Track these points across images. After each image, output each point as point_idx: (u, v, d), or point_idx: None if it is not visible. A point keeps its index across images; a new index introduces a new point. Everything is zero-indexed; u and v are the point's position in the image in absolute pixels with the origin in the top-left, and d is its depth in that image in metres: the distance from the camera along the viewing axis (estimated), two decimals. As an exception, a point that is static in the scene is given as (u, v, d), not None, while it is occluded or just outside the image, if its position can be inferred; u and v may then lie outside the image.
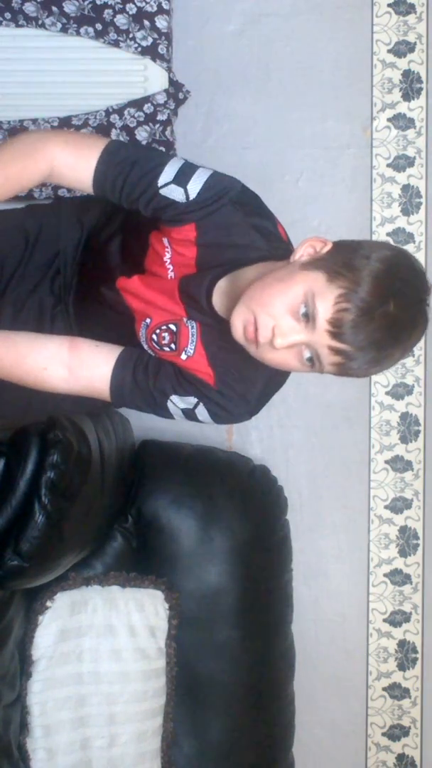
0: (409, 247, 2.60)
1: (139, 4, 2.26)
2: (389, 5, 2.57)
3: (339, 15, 2.55)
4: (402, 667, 2.65)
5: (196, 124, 2.54)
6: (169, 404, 1.55)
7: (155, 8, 2.26)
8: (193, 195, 1.47)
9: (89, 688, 2.08)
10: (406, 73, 2.58)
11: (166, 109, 2.33)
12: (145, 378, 1.56)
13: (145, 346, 1.57)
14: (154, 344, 1.55)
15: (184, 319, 1.53)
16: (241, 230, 1.50)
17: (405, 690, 2.65)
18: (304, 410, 2.62)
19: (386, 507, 2.63)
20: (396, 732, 2.66)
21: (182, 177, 1.48)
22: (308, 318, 1.30)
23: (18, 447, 1.93)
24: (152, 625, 2.16)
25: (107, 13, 2.25)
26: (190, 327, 1.52)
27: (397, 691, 2.65)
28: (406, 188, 2.60)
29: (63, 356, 1.58)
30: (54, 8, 2.24)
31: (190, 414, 1.55)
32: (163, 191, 1.47)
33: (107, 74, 2.32)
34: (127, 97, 2.32)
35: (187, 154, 2.45)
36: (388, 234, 2.60)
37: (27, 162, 1.49)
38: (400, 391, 2.62)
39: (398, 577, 2.64)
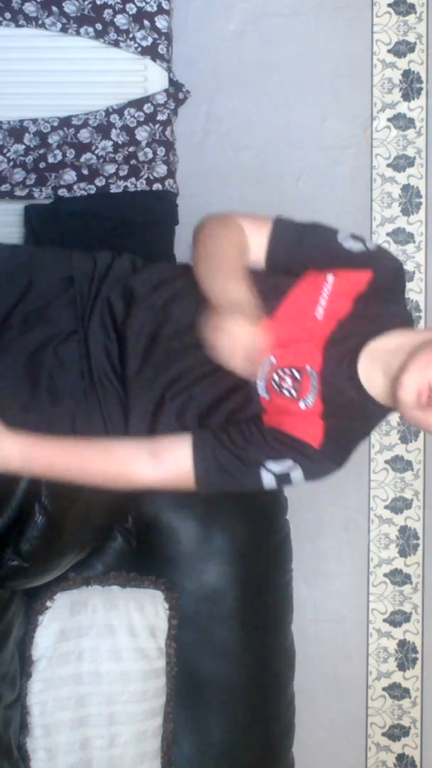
0: (409, 247, 2.60)
1: (139, 4, 2.26)
2: (389, 5, 2.57)
3: (339, 15, 2.55)
4: (402, 667, 2.65)
5: (196, 124, 2.54)
6: (262, 472, 1.53)
7: (155, 8, 2.26)
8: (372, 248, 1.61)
9: (89, 688, 2.08)
10: (406, 73, 2.58)
11: (166, 109, 2.33)
12: (232, 449, 1.53)
13: (261, 385, 1.53)
14: (273, 384, 1.53)
15: (308, 368, 1.53)
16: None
17: (405, 690, 2.65)
18: (304, 410, 2.62)
19: (386, 507, 2.64)
20: (396, 732, 2.66)
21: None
22: None
23: (18, 447, 1.93)
24: (152, 625, 2.16)
25: (107, 13, 2.25)
26: (312, 377, 1.52)
27: (397, 691, 2.65)
28: (406, 188, 2.60)
29: (144, 445, 1.55)
30: (54, 8, 2.24)
31: (283, 478, 1.54)
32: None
33: (107, 74, 2.32)
34: (127, 97, 2.32)
35: (187, 154, 2.46)
36: (388, 234, 2.60)
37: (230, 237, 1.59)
38: (400, 391, 2.62)
39: (398, 577, 2.64)
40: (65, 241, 2.37)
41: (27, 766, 2.01)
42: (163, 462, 1.53)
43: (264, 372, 1.53)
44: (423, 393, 1.43)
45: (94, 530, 2.13)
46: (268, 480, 1.54)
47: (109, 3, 2.25)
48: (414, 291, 2.61)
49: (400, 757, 2.67)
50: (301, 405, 1.52)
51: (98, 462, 1.54)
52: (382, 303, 1.59)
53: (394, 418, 2.61)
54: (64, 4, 2.24)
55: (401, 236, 2.60)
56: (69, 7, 2.24)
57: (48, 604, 2.06)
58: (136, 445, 1.56)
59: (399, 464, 2.63)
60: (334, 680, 2.63)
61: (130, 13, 2.26)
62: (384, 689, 2.65)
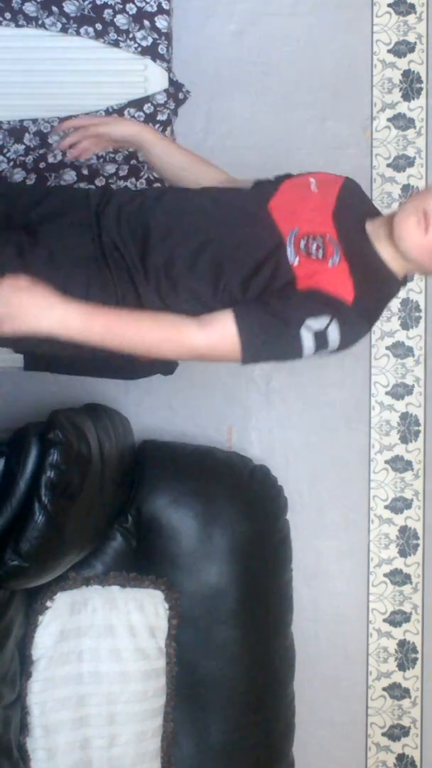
0: (409, 247, 2.60)
1: (139, 4, 2.26)
2: (389, 5, 2.57)
3: (339, 15, 2.55)
4: (402, 667, 2.65)
5: (196, 124, 2.54)
6: (303, 333, 1.61)
7: (155, 8, 2.26)
8: None
9: (89, 688, 2.08)
10: (406, 73, 2.58)
11: (166, 109, 2.33)
12: (273, 312, 1.62)
13: (290, 251, 1.65)
14: (301, 249, 1.64)
15: (328, 236, 1.66)
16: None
17: (405, 690, 2.65)
18: (304, 410, 2.62)
19: (386, 507, 2.64)
20: (396, 732, 2.66)
21: None
22: None
23: (18, 447, 1.93)
24: (152, 625, 2.16)
25: (107, 13, 2.25)
26: (333, 244, 1.65)
27: (397, 691, 2.65)
28: (406, 188, 2.60)
29: (191, 317, 1.65)
30: (54, 8, 2.24)
31: (321, 339, 1.61)
32: None
33: (107, 74, 2.32)
34: (127, 97, 2.32)
35: (187, 154, 2.46)
36: (388, 234, 2.60)
37: None
38: (400, 391, 2.62)
39: (398, 577, 2.64)
40: (65, 241, 2.37)
41: (27, 766, 2.01)
42: (211, 328, 1.63)
43: (291, 240, 1.65)
44: (420, 218, 1.60)
45: (94, 530, 2.13)
46: (308, 343, 1.61)
47: (109, 3, 2.25)
48: (414, 291, 2.61)
49: (400, 757, 2.66)
50: (330, 264, 1.63)
51: (151, 326, 1.63)
52: (360, 198, 1.81)
53: (394, 417, 2.61)
54: (64, 4, 2.24)
55: (401, 236, 2.60)
56: (69, 7, 2.24)
57: (48, 604, 2.06)
58: (182, 316, 1.66)
59: (399, 464, 2.63)
60: (334, 680, 2.63)
61: (130, 13, 2.26)
62: (384, 689, 2.65)
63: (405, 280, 1.76)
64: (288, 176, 1.86)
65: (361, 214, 1.75)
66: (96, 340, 1.62)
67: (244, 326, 1.62)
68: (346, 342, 1.64)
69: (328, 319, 1.61)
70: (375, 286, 1.69)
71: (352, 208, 1.75)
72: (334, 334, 1.62)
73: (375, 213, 1.79)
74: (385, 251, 1.70)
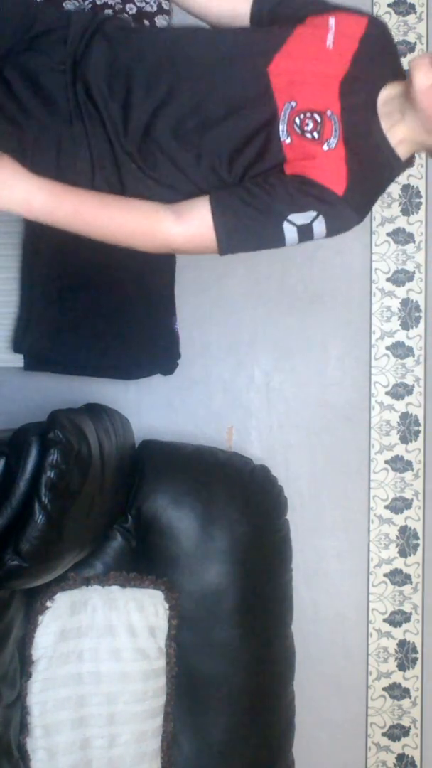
0: (409, 247, 2.60)
1: (139, 4, 2.26)
2: (389, 5, 2.57)
3: (339, 15, 2.55)
4: (402, 667, 2.65)
5: (196, 124, 2.54)
6: (285, 226, 1.51)
7: (155, 8, 2.26)
8: None
9: (89, 688, 2.08)
10: (406, 73, 2.58)
11: (166, 109, 2.33)
12: (253, 203, 1.51)
13: (282, 129, 1.51)
14: (295, 128, 1.50)
15: (328, 113, 1.51)
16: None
17: (405, 690, 2.65)
18: (304, 410, 2.62)
19: (386, 507, 2.63)
20: (396, 732, 2.66)
21: None
22: None
23: (18, 447, 1.93)
24: (152, 625, 2.16)
25: (107, 13, 2.25)
26: (333, 122, 1.50)
27: (397, 691, 2.65)
28: (406, 188, 2.60)
29: (165, 205, 1.53)
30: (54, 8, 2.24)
31: (305, 231, 1.51)
32: None
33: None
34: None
35: (187, 154, 2.46)
36: (388, 234, 2.60)
37: None
38: (400, 391, 2.62)
39: (398, 577, 2.64)
40: (65, 241, 2.37)
41: (27, 766, 2.01)
42: (187, 219, 1.51)
43: (285, 116, 1.50)
44: None
45: (94, 530, 2.13)
46: (290, 235, 1.51)
47: (109, 3, 2.25)
48: (414, 291, 2.61)
49: (400, 757, 2.66)
50: (325, 147, 1.49)
51: (124, 213, 1.52)
52: (381, 52, 1.60)
53: (394, 417, 2.61)
54: (64, 4, 2.24)
55: (401, 236, 2.60)
56: (69, 7, 2.24)
57: (48, 604, 2.06)
58: (158, 204, 1.53)
59: (399, 464, 2.62)
60: (334, 680, 2.63)
61: (130, 13, 2.26)
62: (384, 689, 2.65)
63: (409, 162, 1.61)
64: (307, 14, 1.60)
65: (376, 79, 1.56)
66: (62, 223, 1.50)
67: (221, 220, 1.51)
68: (333, 232, 1.54)
69: (314, 214, 1.50)
70: (371, 173, 1.55)
71: (368, 72, 1.55)
72: (319, 228, 1.52)
73: (395, 72, 1.60)
74: (394, 131, 1.55)
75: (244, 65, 1.54)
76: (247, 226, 1.51)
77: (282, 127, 1.50)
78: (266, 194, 1.50)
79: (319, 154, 1.50)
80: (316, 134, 1.49)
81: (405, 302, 2.61)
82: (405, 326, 2.62)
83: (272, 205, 1.50)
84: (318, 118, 1.50)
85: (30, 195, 1.47)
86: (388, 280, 2.61)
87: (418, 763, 2.67)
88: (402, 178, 2.59)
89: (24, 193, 1.47)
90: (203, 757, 2.24)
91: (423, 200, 2.60)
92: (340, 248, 2.61)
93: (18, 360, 2.40)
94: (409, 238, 2.60)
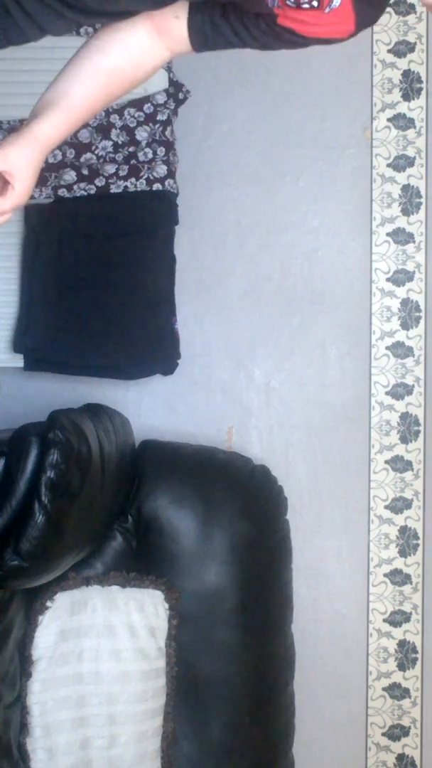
0: (409, 247, 2.60)
1: None
2: (389, 5, 2.57)
3: (339, 15, 2.55)
4: (402, 667, 2.65)
5: (196, 124, 2.54)
6: None
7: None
8: None
9: (89, 688, 2.08)
10: (406, 73, 2.58)
11: (166, 109, 2.32)
12: (240, 37, 1.38)
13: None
14: (288, 2, 1.29)
15: None
16: None
17: (405, 690, 2.65)
18: (304, 410, 2.62)
19: (386, 507, 2.63)
20: (396, 732, 2.66)
21: None
22: None
23: (18, 447, 1.93)
24: (152, 625, 2.16)
25: None
26: None
27: (397, 691, 2.65)
28: (406, 188, 2.60)
29: (137, 28, 1.42)
30: (54, 8, 2.24)
31: None
32: None
33: (107, 74, 2.32)
34: (127, 97, 2.32)
35: (187, 154, 2.46)
36: (388, 234, 2.60)
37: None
38: (400, 391, 2.62)
39: (398, 577, 2.64)
40: (65, 241, 2.37)
41: (27, 766, 2.01)
42: (166, 43, 1.43)
43: None
44: None
45: (94, 530, 2.13)
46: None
47: None
48: (414, 291, 2.61)
49: (400, 757, 2.66)
50: (327, 10, 1.29)
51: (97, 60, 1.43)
52: None
53: (394, 417, 2.61)
54: (64, 4, 2.24)
55: (401, 236, 2.60)
56: (69, 7, 2.24)
57: (48, 604, 2.06)
58: (131, 31, 1.42)
59: (399, 464, 2.62)
60: (334, 680, 2.63)
61: (130, 13, 2.26)
62: (384, 689, 2.65)
63: None
64: None
65: None
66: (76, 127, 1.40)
67: (196, 40, 1.40)
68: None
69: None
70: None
71: None
72: None
73: None
74: None
75: None
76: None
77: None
78: (252, 38, 1.40)
79: (320, 18, 1.31)
80: (315, 2, 1.29)
81: (405, 302, 2.61)
82: (405, 326, 2.62)
83: (261, 40, 1.39)
84: None
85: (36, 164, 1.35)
86: (388, 280, 2.61)
87: (418, 763, 2.67)
88: (402, 178, 2.59)
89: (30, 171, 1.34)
90: (203, 757, 2.24)
91: (423, 200, 2.60)
92: (340, 248, 2.61)
93: (18, 360, 2.40)
94: (409, 238, 2.60)
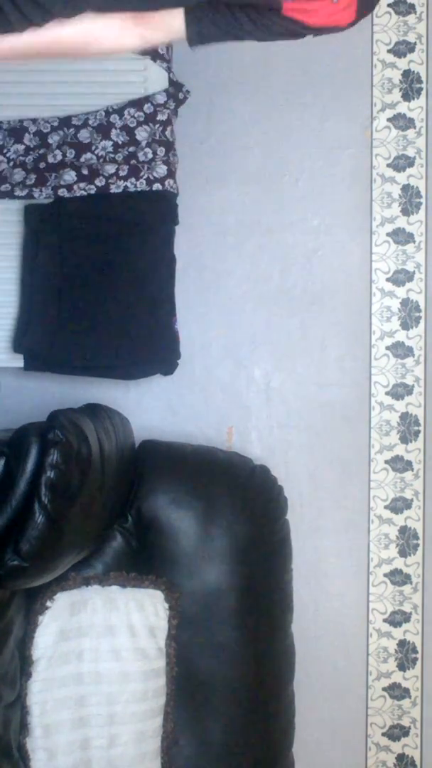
0: (409, 247, 2.60)
1: None
2: (389, 5, 2.57)
3: (339, 15, 2.55)
4: (402, 667, 2.65)
5: (196, 124, 2.54)
6: None
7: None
8: None
9: (89, 688, 2.08)
10: (406, 73, 2.58)
11: (166, 109, 2.32)
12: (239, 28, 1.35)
13: None
14: None
15: None
16: None
17: (405, 690, 2.65)
18: (304, 410, 2.62)
19: (386, 507, 2.63)
20: (396, 732, 2.66)
21: None
22: None
23: (18, 447, 1.93)
24: (152, 625, 2.16)
25: (107, 13, 2.25)
26: None
27: (397, 691, 2.65)
28: (406, 188, 2.60)
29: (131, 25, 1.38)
30: (54, 8, 2.24)
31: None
32: None
33: (107, 74, 2.32)
34: (127, 97, 2.32)
35: (187, 154, 2.46)
36: (388, 234, 2.60)
37: None
38: (400, 391, 2.62)
39: (398, 577, 2.64)
40: (65, 241, 2.37)
41: (27, 766, 2.01)
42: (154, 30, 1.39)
43: None
44: None
45: (94, 530, 2.13)
46: None
47: None
48: (414, 291, 2.61)
49: (400, 757, 2.66)
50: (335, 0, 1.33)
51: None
52: None
53: (394, 417, 2.61)
54: (64, 4, 2.24)
55: (401, 236, 2.60)
56: None
57: (48, 604, 2.06)
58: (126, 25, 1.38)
59: (399, 464, 2.62)
60: (334, 680, 2.63)
61: None
62: (384, 689, 2.65)
63: None
64: None
65: None
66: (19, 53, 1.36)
67: (194, 35, 1.37)
68: None
69: None
70: None
71: None
72: None
73: None
74: None
75: None
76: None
77: None
78: (254, 27, 1.37)
79: (325, 6, 1.33)
80: None
81: (405, 302, 2.61)
82: (405, 326, 2.62)
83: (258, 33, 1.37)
84: None
85: None
86: (388, 280, 2.61)
87: (418, 763, 2.67)
88: (402, 178, 2.59)
89: None
90: (203, 757, 2.24)
91: (423, 200, 2.60)
92: (340, 248, 2.61)
93: (18, 360, 2.40)
94: (409, 238, 2.60)
